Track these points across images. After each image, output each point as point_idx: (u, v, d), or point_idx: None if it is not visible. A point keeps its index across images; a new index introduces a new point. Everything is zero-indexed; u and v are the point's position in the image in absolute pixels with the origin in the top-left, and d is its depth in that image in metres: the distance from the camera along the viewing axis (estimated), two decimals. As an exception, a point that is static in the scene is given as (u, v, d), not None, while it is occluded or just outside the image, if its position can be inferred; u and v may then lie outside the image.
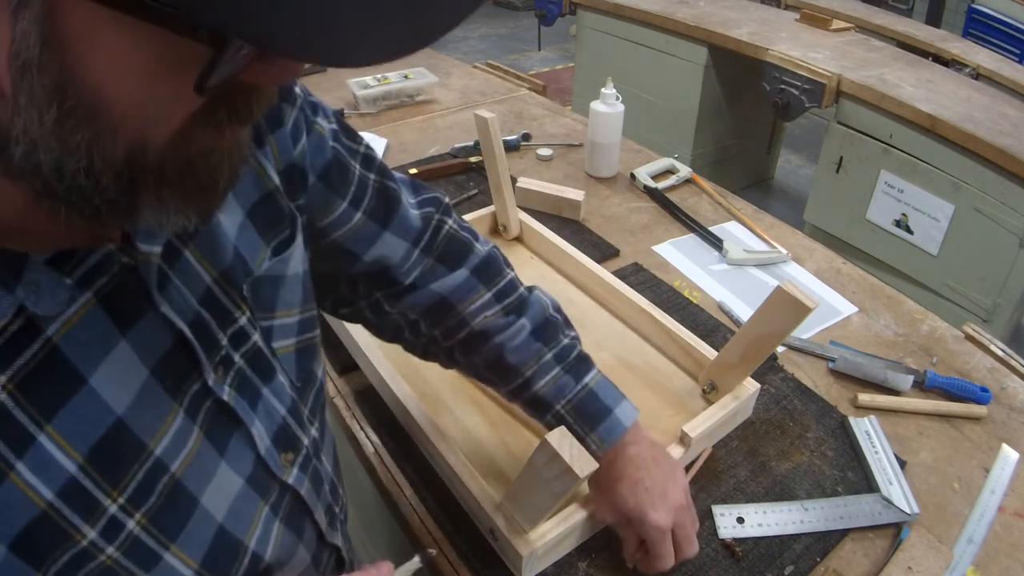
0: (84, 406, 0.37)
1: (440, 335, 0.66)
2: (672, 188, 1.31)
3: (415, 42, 0.28)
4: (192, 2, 0.24)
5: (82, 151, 0.30)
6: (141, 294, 0.40)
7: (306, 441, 0.53)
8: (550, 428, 0.57)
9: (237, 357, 0.46)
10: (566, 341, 0.67)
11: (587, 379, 0.65)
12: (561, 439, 0.52)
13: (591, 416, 0.64)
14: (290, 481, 0.50)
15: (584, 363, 0.67)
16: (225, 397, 0.45)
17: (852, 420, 0.79)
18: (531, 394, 0.65)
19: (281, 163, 0.50)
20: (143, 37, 0.27)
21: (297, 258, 0.52)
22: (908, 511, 0.69)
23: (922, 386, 0.86)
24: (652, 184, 1.29)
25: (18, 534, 0.35)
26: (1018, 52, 2.99)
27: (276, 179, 0.50)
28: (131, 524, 0.39)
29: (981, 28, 3.16)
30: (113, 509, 0.39)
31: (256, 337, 0.48)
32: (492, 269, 0.66)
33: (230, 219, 0.47)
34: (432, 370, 0.86)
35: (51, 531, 0.36)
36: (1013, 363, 0.91)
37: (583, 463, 0.51)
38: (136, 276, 0.39)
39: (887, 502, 0.70)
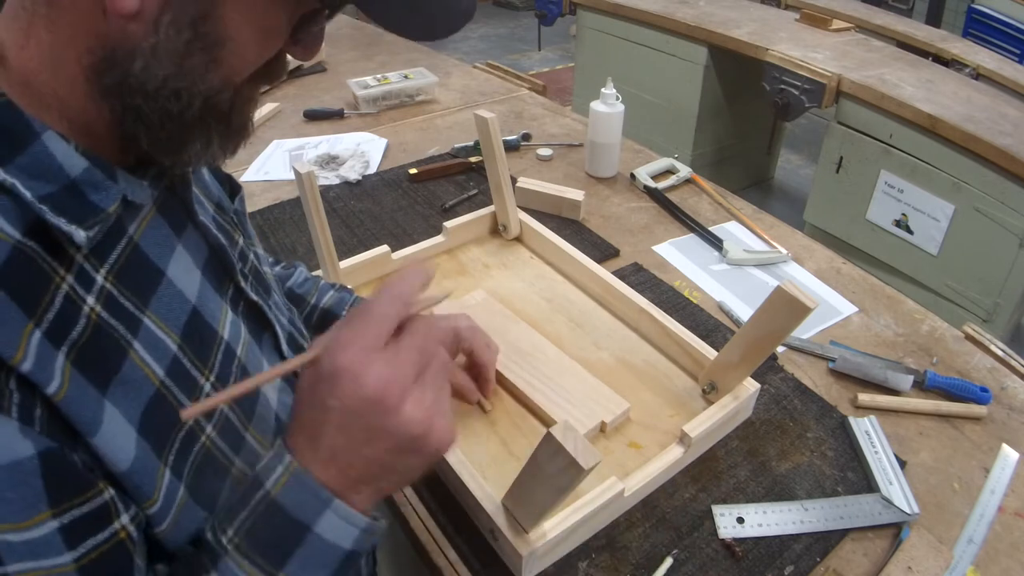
0: (168, 294, 0.43)
1: None
2: (672, 188, 1.31)
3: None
4: None
5: (192, 74, 0.37)
6: (182, 209, 0.48)
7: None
8: None
9: (246, 270, 0.54)
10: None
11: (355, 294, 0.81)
12: (565, 433, 0.52)
13: None
14: None
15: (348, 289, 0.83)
16: (255, 297, 0.52)
17: (852, 420, 0.79)
18: (320, 312, 0.77)
19: None
20: None
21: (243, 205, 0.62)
22: (908, 511, 0.69)
23: (922, 386, 0.86)
24: (652, 184, 1.29)
25: (142, 415, 0.39)
26: (1018, 52, 2.99)
27: None
28: None
29: (981, 28, 3.16)
30: (207, 387, 0.44)
31: (252, 257, 0.57)
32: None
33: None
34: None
35: (165, 412, 0.40)
36: (1013, 363, 0.91)
37: (587, 456, 0.51)
38: (175, 194, 0.47)
39: (887, 502, 0.70)
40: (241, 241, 0.55)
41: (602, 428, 0.78)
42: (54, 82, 0.37)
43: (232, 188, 0.59)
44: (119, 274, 0.40)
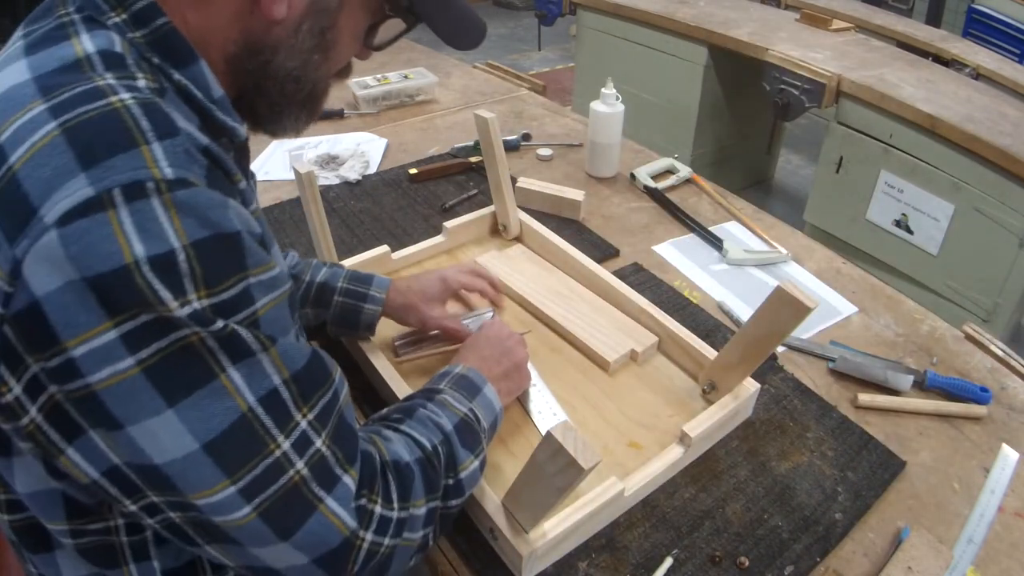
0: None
1: None
2: (672, 188, 1.31)
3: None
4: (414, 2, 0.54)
5: (311, 64, 0.52)
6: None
7: None
8: (341, 308, 0.81)
9: None
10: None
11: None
12: (565, 433, 0.52)
13: (363, 277, 0.84)
14: None
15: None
16: None
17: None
18: (317, 286, 0.83)
19: None
20: (371, 13, 0.55)
21: None
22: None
23: (922, 386, 0.86)
24: (652, 184, 1.29)
25: None
26: (1018, 52, 2.99)
27: None
28: None
29: (981, 28, 3.16)
30: None
31: None
32: None
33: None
34: (432, 370, 0.86)
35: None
36: (1013, 363, 0.91)
37: (587, 456, 0.51)
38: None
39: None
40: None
41: (632, 356, 0.86)
42: (203, 52, 0.47)
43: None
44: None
